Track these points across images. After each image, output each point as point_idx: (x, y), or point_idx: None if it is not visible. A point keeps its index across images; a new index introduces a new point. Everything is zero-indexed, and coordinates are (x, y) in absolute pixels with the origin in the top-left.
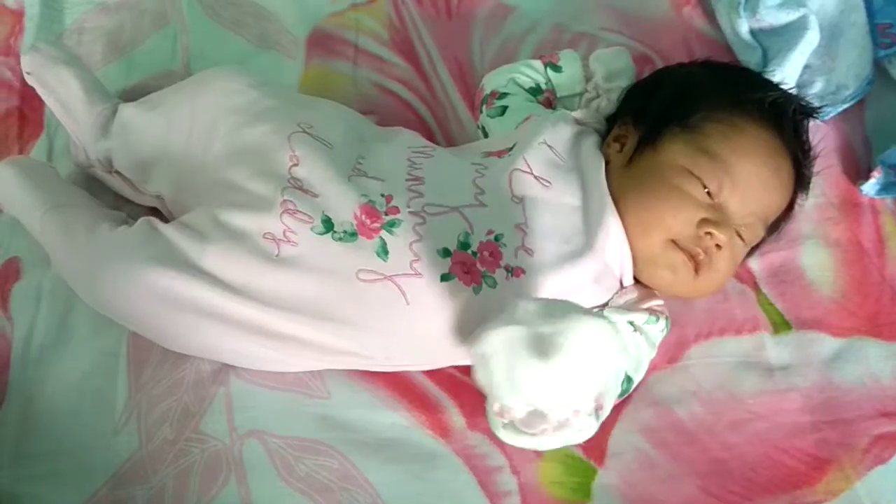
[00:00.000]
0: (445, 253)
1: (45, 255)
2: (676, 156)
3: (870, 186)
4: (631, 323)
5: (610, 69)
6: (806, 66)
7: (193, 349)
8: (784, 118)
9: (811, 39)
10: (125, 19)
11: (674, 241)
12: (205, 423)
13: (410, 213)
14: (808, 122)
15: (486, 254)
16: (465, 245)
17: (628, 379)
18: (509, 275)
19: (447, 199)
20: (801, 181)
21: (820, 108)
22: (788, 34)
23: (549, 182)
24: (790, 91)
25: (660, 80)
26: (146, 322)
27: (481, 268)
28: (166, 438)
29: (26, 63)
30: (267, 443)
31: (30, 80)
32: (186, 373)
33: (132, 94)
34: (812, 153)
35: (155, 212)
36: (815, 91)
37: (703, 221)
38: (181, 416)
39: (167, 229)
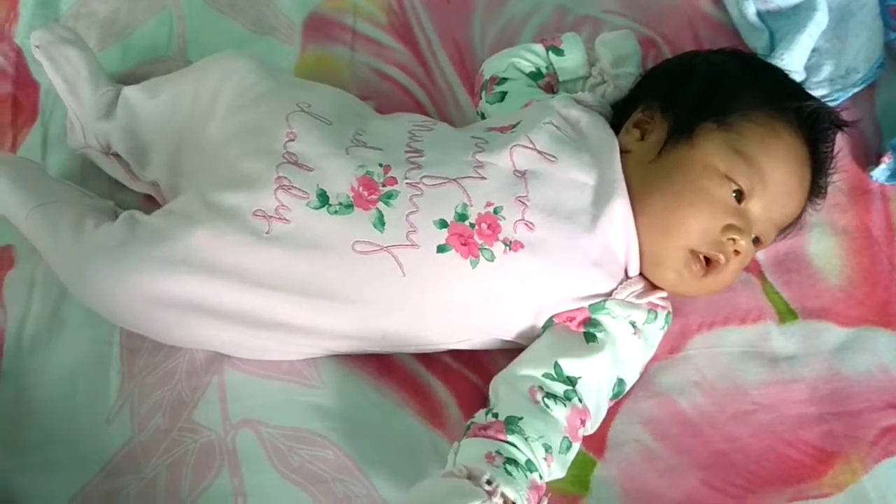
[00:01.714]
0: (442, 224)
1: None
2: (711, 155)
3: (880, 172)
4: (632, 323)
5: (617, 54)
6: (815, 50)
7: (185, 342)
8: (819, 129)
9: (819, 21)
10: (120, 5)
11: (691, 250)
12: (198, 413)
13: (408, 184)
14: (836, 135)
15: (484, 226)
16: (462, 217)
17: (620, 382)
18: (507, 248)
19: (446, 170)
20: (815, 190)
21: (853, 122)
22: (796, 16)
23: (554, 157)
24: (826, 102)
25: (691, 67)
26: (135, 320)
27: (479, 240)
28: (159, 428)
29: (36, 37)
30: (260, 433)
31: (37, 55)
32: (180, 362)
33: (127, 81)
34: (834, 165)
35: (150, 199)
36: (824, 75)
37: (729, 227)
38: (174, 405)
39: (150, 220)
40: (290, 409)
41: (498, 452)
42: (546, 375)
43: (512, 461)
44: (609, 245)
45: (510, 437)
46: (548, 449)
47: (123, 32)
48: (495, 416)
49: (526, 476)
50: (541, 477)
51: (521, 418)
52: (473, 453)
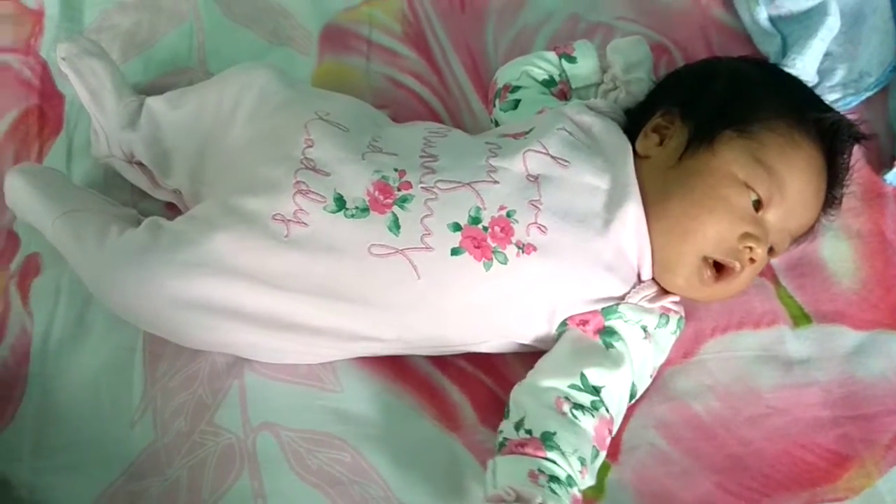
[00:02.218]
0: (456, 227)
1: None
2: (731, 163)
3: (893, 175)
4: (643, 328)
5: (629, 60)
6: (827, 54)
7: (207, 345)
8: (838, 141)
9: (832, 25)
10: (142, 18)
11: (704, 256)
12: (219, 416)
13: (423, 188)
14: (853, 147)
15: (497, 229)
16: (476, 220)
17: (632, 386)
18: (520, 251)
19: (460, 174)
20: (830, 201)
21: (870, 136)
22: (808, 21)
23: (567, 161)
24: (839, 106)
25: (711, 74)
26: (158, 324)
27: (492, 243)
28: (181, 431)
29: (63, 49)
30: (280, 436)
31: (63, 67)
32: (201, 366)
33: (149, 92)
34: (849, 178)
35: (172, 207)
36: (837, 79)
37: (747, 235)
38: (196, 408)
39: (173, 225)
40: (308, 413)
41: (540, 471)
42: (572, 386)
43: (555, 479)
44: (621, 248)
45: (549, 454)
46: (583, 462)
47: (145, 44)
48: (528, 432)
49: (567, 492)
50: (579, 490)
51: (555, 433)
52: (516, 473)
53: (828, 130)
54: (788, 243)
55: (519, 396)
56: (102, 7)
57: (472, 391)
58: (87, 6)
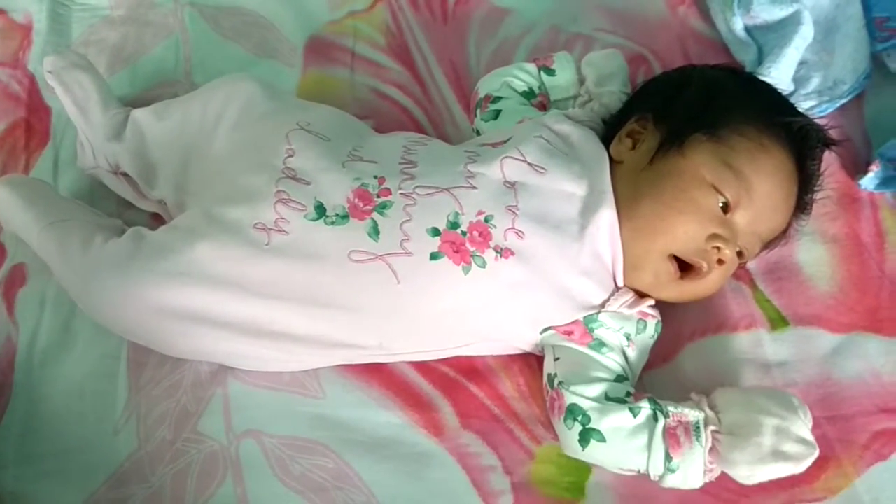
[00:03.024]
0: (435, 232)
1: None
2: (700, 166)
3: (868, 180)
4: (626, 336)
5: (601, 73)
6: (802, 62)
7: (189, 353)
8: (807, 145)
9: (805, 34)
10: (129, 32)
11: (673, 255)
12: (202, 424)
13: (402, 194)
14: (823, 152)
15: (475, 234)
16: (454, 225)
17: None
18: (498, 256)
19: (438, 180)
20: (801, 206)
21: (840, 141)
22: (783, 30)
23: (543, 168)
24: (815, 119)
25: (685, 81)
26: (141, 332)
27: (471, 247)
28: (165, 438)
29: (49, 63)
30: (263, 443)
31: (49, 79)
32: (185, 374)
33: (136, 104)
34: (820, 182)
35: (157, 218)
36: (812, 87)
37: (715, 236)
38: (179, 416)
39: (155, 235)
40: (291, 419)
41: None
42: (600, 397)
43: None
44: (598, 253)
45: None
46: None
47: (132, 58)
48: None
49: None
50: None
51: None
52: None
53: (797, 135)
54: (759, 247)
55: (579, 404)
56: (90, 21)
57: (454, 397)
58: (74, 20)
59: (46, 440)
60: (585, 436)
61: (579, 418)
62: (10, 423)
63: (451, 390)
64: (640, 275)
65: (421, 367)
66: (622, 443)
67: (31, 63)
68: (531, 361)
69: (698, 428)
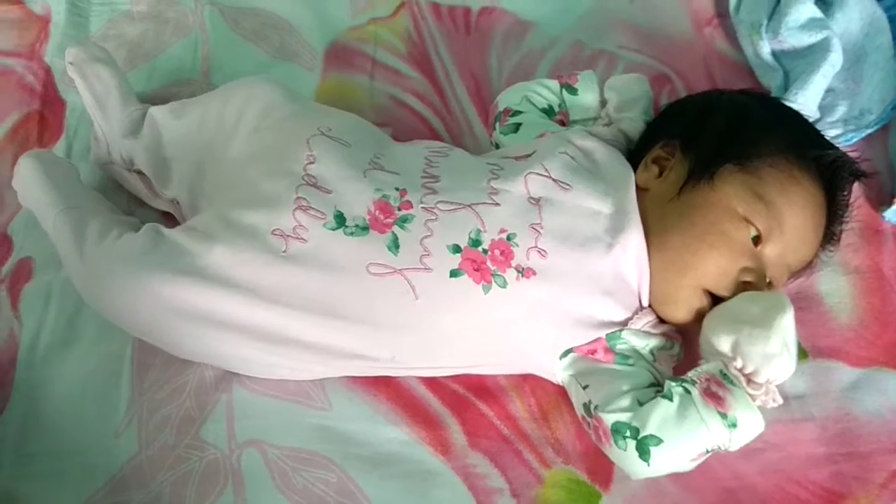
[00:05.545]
0: (455, 249)
1: (56, 257)
2: (731, 197)
3: (892, 213)
4: (651, 352)
5: (623, 98)
6: (829, 90)
7: (198, 356)
8: (838, 177)
9: (834, 62)
10: (148, 28)
11: (704, 289)
12: (205, 430)
13: (423, 208)
14: (853, 184)
15: (497, 252)
16: (476, 242)
17: None
18: (520, 275)
19: (461, 196)
20: (829, 237)
21: (871, 174)
22: (811, 56)
23: (568, 185)
24: (839, 143)
25: (712, 107)
26: (150, 329)
27: (492, 266)
28: (166, 444)
29: (71, 54)
30: (266, 453)
31: (70, 71)
32: (189, 378)
33: (152, 101)
34: (849, 213)
35: (169, 217)
36: (838, 115)
37: (746, 270)
38: (182, 421)
39: (173, 234)
40: (295, 430)
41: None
42: (633, 405)
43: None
44: (622, 274)
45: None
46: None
47: (150, 54)
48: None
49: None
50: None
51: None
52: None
53: (828, 167)
54: (787, 277)
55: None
56: (109, 16)
57: (463, 415)
58: (93, 14)
59: (45, 440)
60: (643, 448)
61: (627, 434)
62: (9, 421)
63: (461, 408)
64: (672, 309)
65: (430, 382)
66: (676, 430)
67: (47, 55)
68: (544, 382)
69: (724, 374)
